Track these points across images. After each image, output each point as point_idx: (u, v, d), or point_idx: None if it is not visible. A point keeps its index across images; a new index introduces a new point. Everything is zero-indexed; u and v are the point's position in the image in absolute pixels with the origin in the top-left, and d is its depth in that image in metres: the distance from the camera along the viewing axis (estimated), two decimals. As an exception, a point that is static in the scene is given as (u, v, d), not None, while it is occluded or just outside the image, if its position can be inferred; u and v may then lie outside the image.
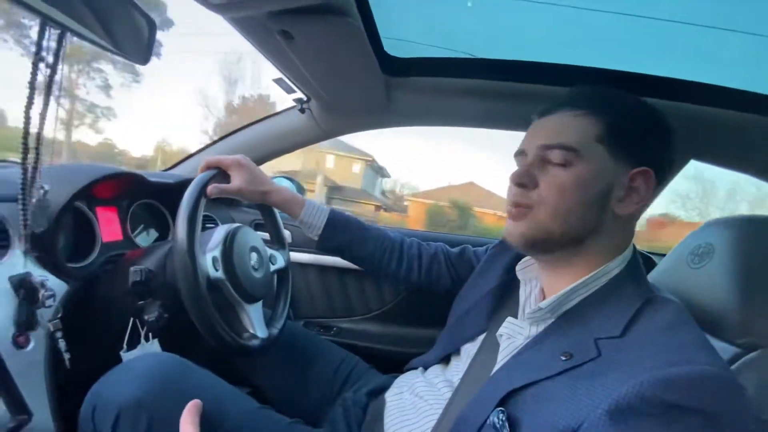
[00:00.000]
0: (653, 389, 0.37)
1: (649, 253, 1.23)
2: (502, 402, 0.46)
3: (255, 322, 0.76)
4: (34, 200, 0.57)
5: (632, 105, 0.55)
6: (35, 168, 0.57)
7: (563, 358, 0.46)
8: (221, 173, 0.77)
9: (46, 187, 0.62)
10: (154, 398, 0.54)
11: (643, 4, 0.70)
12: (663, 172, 0.54)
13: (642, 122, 0.53)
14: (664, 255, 0.90)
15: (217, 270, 0.69)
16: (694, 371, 0.38)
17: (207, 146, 1.28)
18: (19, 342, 0.60)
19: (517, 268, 0.65)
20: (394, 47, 0.84)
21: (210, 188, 0.71)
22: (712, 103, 0.81)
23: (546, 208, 0.52)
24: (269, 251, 0.87)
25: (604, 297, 0.51)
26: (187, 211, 0.65)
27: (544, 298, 0.58)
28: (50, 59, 0.52)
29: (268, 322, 0.82)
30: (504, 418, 0.44)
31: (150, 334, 0.73)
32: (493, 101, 0.93)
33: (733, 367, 0.56)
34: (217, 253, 0.70)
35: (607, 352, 0.44)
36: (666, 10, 0.70)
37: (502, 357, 0.56)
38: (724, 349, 0.58)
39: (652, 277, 0.75)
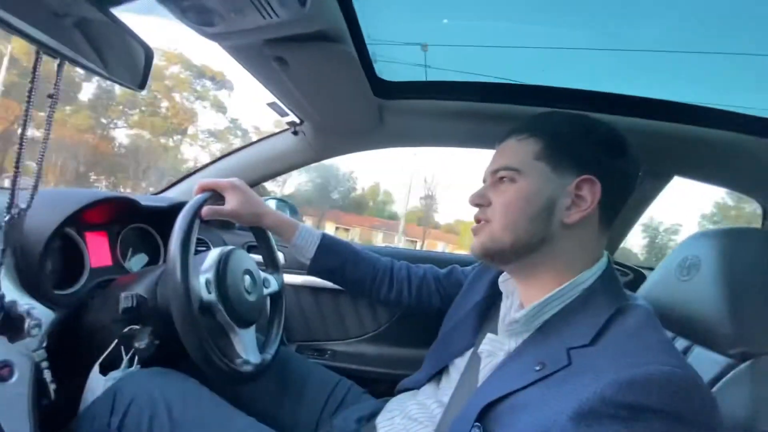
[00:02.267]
0: (613, 391, 0.39)
1: (639, 267, 1.25)
2: (481, 416, 0.47)
3: (248, 347, 0.74)
4: (5, 219, 0.55)
5: (569, 121, 0.59)
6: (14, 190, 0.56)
7: (537, 368, 0.47)
8: (216, 196, 0.77)
9: (22, 206, 0.60)
10: (159, 394, 0.64)
11: (624, 30, 0.74)
12: (613, 180, 0.55)
13: (578, 134, 0.57)
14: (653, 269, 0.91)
15: (210, 293, 0.68)
16: (654, 371, 0.39)
17: (199, 169, 1.28)
18: (2, 374, 0.58)
19: (500, 280, 0.67)
20: (385, 71, 0.86)
21: (204, 210, 0.71)
22: (694, 122, 0.85)
23: (497, 221, 0.57)
24: (263, 275, 0.86)
25: (577, 308, 0.52)
26: (181, 232, 0.64)
27: None
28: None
29: (261, 347, 0.80)
30: None
31: (134, 360, 0.71)
32: (482, 122, 0.96)
33: (726, 377, 0.57)
34: (210, 275, 0.69)
35: (577, 360, 0.46)
36: (647, 36, 0.74)
37: (484, 373, 0.57)
38: (716, 360, 0.59)
39: (642, 290, 0.76)
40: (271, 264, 0.91)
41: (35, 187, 0.53)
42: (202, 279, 0.68)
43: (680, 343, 0.65)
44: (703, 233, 0.68)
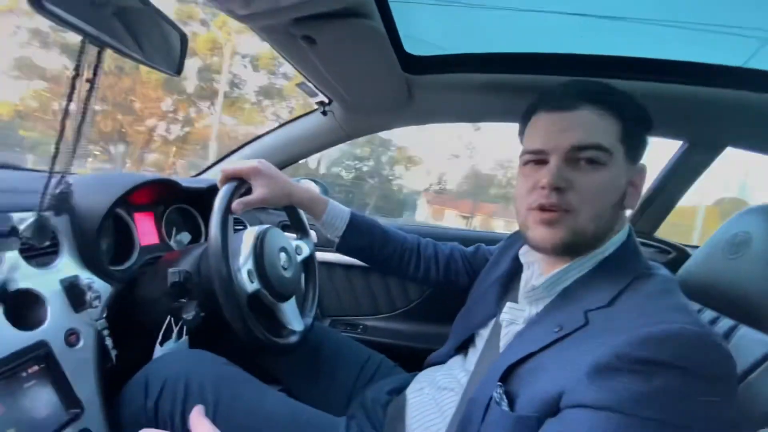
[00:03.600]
0: (628, 347, 0.39)
1: (683, 245, 1.19)
2: (504, 378, 0.49)
3: (291, 317, 0.79)
4: (57, 191, 0.59)
5: (638, 106, 0.57)
6: (63, 176, 0.59)
7: (555, 330, 0.48)
8: (241, 182, 0.75)
9: (71, 181, 0.62)
10: (191, 375, 0.66)
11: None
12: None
13: (644, 121, 0.56)
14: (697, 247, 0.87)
15: (253, 282, 0.72)
16: (670, 328, 0.40)
17: (233, 151, 1.32)
18: (70, 341, 0.64)
19: (521, 252, 0.67)
20: (414, 46, 0.84)
21: (235, 206, 0.71)
22: (749, 87, 0.78)
23: (586, 211, 0.52)
24: (294, 243, 0.89)
25: (597, 275, 0.53)
26: (218, 233, 0.65)
27: None
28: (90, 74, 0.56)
29: (302, 311, 0.85)
30: (502, 392, 0.47)
31: (183, 332, 0.77)
32: (515, 95, 0.92)
33: None
34: (250, 265, 0.73)
35: (594, 320, 0.47)
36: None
37: (505, 340, 0.59)
38: (763, 340, 0.56)
39: (686, 268, 0.73)
40: (299, 229, 0.94)
41: (67, 171, 0.56)
42: (245, 272, 0.71)
43: (725, 323, 0.63)
44: (754, 208, 0.64)
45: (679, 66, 0.80)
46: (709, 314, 0.65)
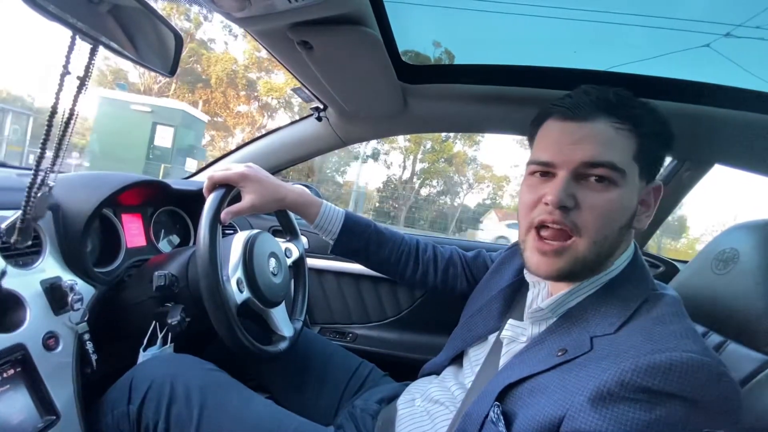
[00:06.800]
0: (633, 375, 0.39)
1: (672, 260, 1.20)
2: (501, 397, 0.48)
3: (280, 323, 0.78)
4: (39, 193, 0.57)
5: (662, 121, 0.52)
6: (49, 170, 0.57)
7: (558, 354, 0.47)
8: (230, 188, 0.71)
9: (51, 184, 0.59)
10: (177, 378, 0.64)
11: (664, 6, 0.70)
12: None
13: (664, 139, 0.53)
14: (686, 262, 0.88)
15: (242, 292, 0.71)
16: (676, 358, 0.39)
17: (225, 155, 1.31)
18: (48, 344, 0.62)
19: (525, 270, 0.65)
20: (409, 54, 0.84)
21: (223, 216, 0.68)
22: (737, 106, 0.79)
23: (590, 234, 0.49)
24: (284, 245, 0.88)
25: (604, 296, 0.52)
26: (207, 243, 0.64)
27: None
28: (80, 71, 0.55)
29: (291, 315, 0.84)
30: (499, 412, 0.47)
31: (168, 338, 0.75)
32: (510, 107, 0.93)
33: (761, 374, 0.55)
34: (240, 273, 0.72)
35: (599, 346, 0.46)
36: (684, 12, 0.70)
37: (505, 359, 0.58)
38: (752, 356, 0.57)
39: (675, 283, 0.74)
40: (290, 231, 0.93)
41: (52, 168, 0.55)
42: (234, 282, 0.70)
43: (714, 339, 0.63)
44: (742, 225, 0.65)
45: (668, 84, 0.82)
46: (697, 330, 0.65)
